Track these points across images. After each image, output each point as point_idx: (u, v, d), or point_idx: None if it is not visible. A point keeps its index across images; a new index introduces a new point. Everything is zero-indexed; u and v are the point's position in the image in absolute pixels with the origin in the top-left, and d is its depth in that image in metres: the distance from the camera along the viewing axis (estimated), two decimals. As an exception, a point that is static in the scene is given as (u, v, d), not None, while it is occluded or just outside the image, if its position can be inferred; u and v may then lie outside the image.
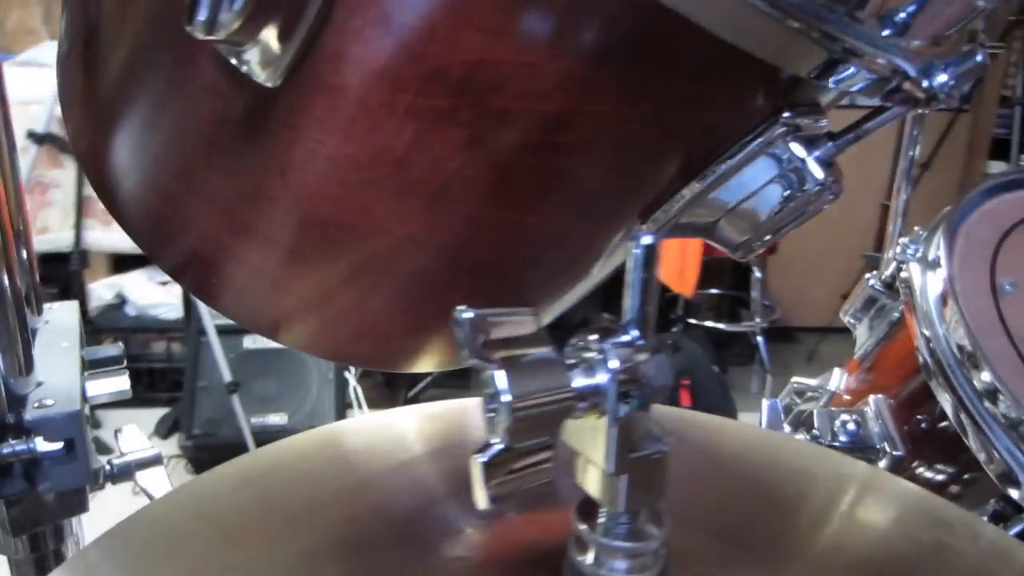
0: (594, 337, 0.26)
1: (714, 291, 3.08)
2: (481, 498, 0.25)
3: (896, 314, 0.68)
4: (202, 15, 0.23)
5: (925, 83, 0.25)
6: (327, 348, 0.42)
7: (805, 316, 3.20)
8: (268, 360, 2.14)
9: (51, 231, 2.30)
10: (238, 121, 0.29)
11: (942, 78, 0.25)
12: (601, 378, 0.26)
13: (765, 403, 0.68)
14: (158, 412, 2.35)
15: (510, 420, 0.24)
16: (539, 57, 0.25)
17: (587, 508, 0.29)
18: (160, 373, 2.46)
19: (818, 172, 0.30)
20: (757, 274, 2.85)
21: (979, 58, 0.26)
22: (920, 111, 0.29)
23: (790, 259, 3.02)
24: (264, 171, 0.30)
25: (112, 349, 0.57)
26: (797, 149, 0.29)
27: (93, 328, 2.36)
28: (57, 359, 0.52)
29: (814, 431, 0.63)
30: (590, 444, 0.27)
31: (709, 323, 2.95)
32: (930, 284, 0.61)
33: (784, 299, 3.13)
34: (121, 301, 2.47)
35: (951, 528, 0.44)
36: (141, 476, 0.52)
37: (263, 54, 0.25)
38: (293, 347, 0.41)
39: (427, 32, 0.25)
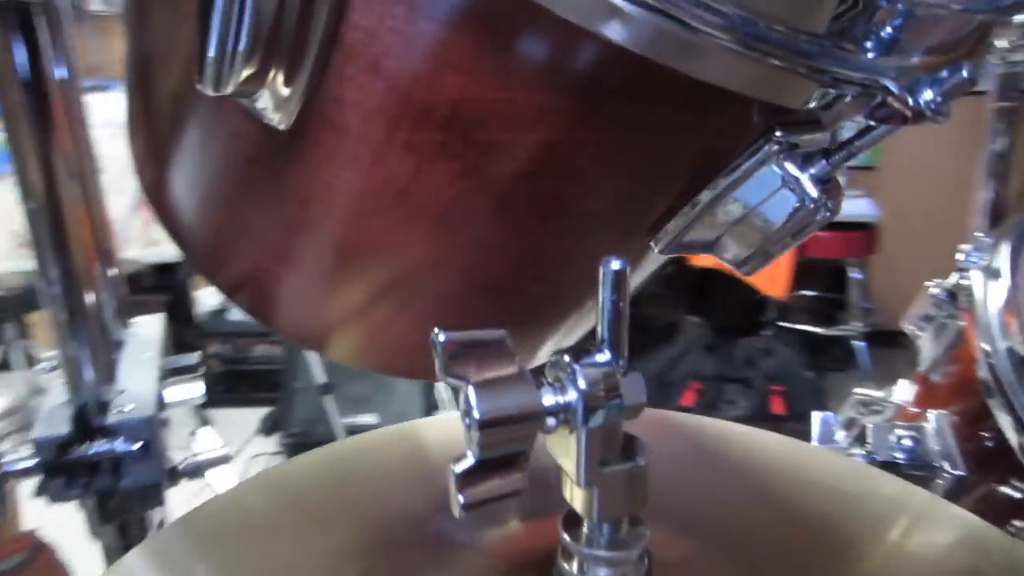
0: (567, 358, 0.28)
1: (810, 293, 2.97)
2: (455, 506, 0.27)
3: (962, 323, 0.66)
4: (208, 74, 0.26)
5: (910, 100, 0.25)
6: (370, 361, 0.45)
7: (912, 319, 3.04)
8: (360, 363, 2.21)
9: (159, 244, 2.44)
10: (264, 159, 0.33)
11: (928, 95, 0.25)
12: (571, 396, 0.27)
13: (817, 416, 0.67)
14: (262, 411, 2.48)
15: (480, 434, 0.26)
16: (517, 92, 0.27)
17: (572, 518, 0.31)
18: (263, 374, 2.57)
19: (811, 190, 0.30)
20: (855, 275, 2.73)
21: (965, 73, 0.26)
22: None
23: (896, 257, 2.87)
24: (290, 203, 0.33)
25: (190, 358, 0.63)
26: (791, 167, 0.29)
27: (200, 332, 2.51)
28: (138, 368, 0.58)
29: (868, 446, 0.61)
30: (565, 458, 0.29)
31: (803, 327, 2.84)
32: (992, 294, 0.59)
33: (890, 300, 2.98)
34: (225, 307, 2.61)
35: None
36: (210, 474, 0.57)
37: (274, 99, 0.28)
38: (340, 360, 0.44)
39: (412, 76, 0.27)
